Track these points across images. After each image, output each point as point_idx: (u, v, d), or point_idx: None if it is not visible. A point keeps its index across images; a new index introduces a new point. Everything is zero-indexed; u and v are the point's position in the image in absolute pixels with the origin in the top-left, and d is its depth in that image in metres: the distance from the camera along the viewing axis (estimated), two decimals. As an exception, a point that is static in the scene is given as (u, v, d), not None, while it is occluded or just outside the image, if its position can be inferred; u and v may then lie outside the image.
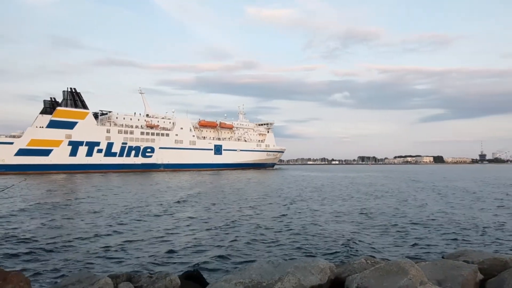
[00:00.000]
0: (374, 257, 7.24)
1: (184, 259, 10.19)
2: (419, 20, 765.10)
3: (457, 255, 7.05)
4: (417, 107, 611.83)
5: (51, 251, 11.00)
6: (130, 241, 12.45)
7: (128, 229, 14.68)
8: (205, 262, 9.77)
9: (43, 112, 78.53)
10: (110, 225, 15.60)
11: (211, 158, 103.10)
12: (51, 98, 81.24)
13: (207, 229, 14.65)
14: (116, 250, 11.25)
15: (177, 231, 14.37)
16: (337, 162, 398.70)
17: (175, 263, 9.88)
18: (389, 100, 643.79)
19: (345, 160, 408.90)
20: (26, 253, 10.65)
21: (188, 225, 15.63)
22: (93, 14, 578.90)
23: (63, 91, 79.29)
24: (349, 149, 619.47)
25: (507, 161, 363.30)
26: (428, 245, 11.79)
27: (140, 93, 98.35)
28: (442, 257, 7.44)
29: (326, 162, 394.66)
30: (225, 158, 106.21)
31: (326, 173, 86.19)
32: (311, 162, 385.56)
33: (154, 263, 9.80)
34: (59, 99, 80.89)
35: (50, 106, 79.67)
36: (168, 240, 12.64)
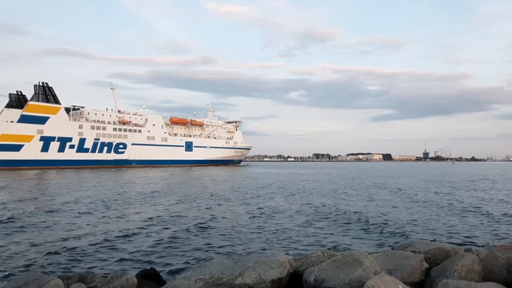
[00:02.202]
0: (330, 250, 7.12)
1: (140, 258, 9.16)
2: (373, 24, 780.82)
3: (406, 246, 7.12)
4: (369, 107, 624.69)
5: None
6: (84, 240, 11.07)
7: (82, 228, 13.04)
8: (162, 261, 8.89)
9: (9, 105, 73.50)
10: (64, 224, 13.81)
11: (182, 154, 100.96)
12: (17, 91, 76.22)
13: (165, 228, 13.24)
14: (67, 250, 9.85)
15: (133, 230, 12.83)
16: (292, 159, 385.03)
17: (131, 262, 8.83)
18: (343, 100, 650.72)
19: (300, 157, 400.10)
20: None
21: (145, 224, 13.98)
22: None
23: (35, 85, 74.58)
24: (304, 146, 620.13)
25: (447, 159, 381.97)
26: (379, 237, 11.87)
27: (111, 88, 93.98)
28: (392, 248, 7.48)
29: (282, 159, 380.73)
30: (196, 154, 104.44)
31: (303, 170, 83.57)
32: (267, 159, 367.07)
33: (108, 263, 8.74)
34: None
35: (16, 100, 74.85)
36: (124, 240, 11.31)
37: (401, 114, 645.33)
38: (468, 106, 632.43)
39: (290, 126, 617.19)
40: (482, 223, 14.48)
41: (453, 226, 13.85)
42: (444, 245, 7.06)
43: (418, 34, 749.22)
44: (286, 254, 6.13)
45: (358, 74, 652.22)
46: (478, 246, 10.11)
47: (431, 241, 9.60)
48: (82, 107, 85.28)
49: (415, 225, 14.09)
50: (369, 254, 6.15)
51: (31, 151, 71.88)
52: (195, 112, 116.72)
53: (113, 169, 72.54)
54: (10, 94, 75.20)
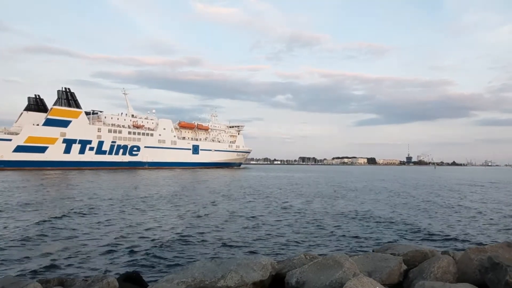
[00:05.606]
0: (312, 253, 6.71)
1: (123, 261, 8.32)
2: (359, 30, 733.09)
3: (385, 249, 6.80)
4: (354, 111, 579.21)
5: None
6: (63, 243, 9.86)
7: (62, 230, 11.69)
8: (145, 264, 8.13)
9: (28, 109, 73.32)
10: (45, 225, 12.34)
11: (189, 157, 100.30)
12: (35, 95, 76.36)
13: (151, 230, 12.02)
14: (47, 252, 8.76)
15: (118, 233, 11.55)
16: (279, 162, 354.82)
17: (114, 265, 8.01)
18: (329, 104, 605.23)
19: (286, 160, 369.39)
20: None
21: (128, 226, 12.68)
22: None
23: (58, 90, 74.10)
24: (291, 149, 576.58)
25: (429, 163, 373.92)
26: (362, 240, 11.33)
27: (124, 93, 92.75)
28: (373, 251, 7.13)
29: (269, 162, 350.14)
30: (202, 157, 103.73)
31: (303, 173, 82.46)
32: (254, 162, 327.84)
33: (90, 266, 7.85)
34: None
35: (34, 103, 74.93)
36: (108, 242, 10.13)
37: (385, 119, 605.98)
38: (449, 112, 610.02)
39: (276, 129, 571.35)
40: (462, 225, 14.04)
41: (434, 228, 13.39)
42: (422, 248, 6.73)
43: (402, 41, 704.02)
44: (270, 257, 5.72)
45: (344, 78, 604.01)
46: (456, 248, 9.69)
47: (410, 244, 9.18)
48: (101, 112, 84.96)
49: (397, 228, 13.60)
50: (350, 256, 5.82)
51: (55, 153, 71.56)
52: (200, 117, 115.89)
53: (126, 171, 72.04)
54: (28, 98, 75.14)
